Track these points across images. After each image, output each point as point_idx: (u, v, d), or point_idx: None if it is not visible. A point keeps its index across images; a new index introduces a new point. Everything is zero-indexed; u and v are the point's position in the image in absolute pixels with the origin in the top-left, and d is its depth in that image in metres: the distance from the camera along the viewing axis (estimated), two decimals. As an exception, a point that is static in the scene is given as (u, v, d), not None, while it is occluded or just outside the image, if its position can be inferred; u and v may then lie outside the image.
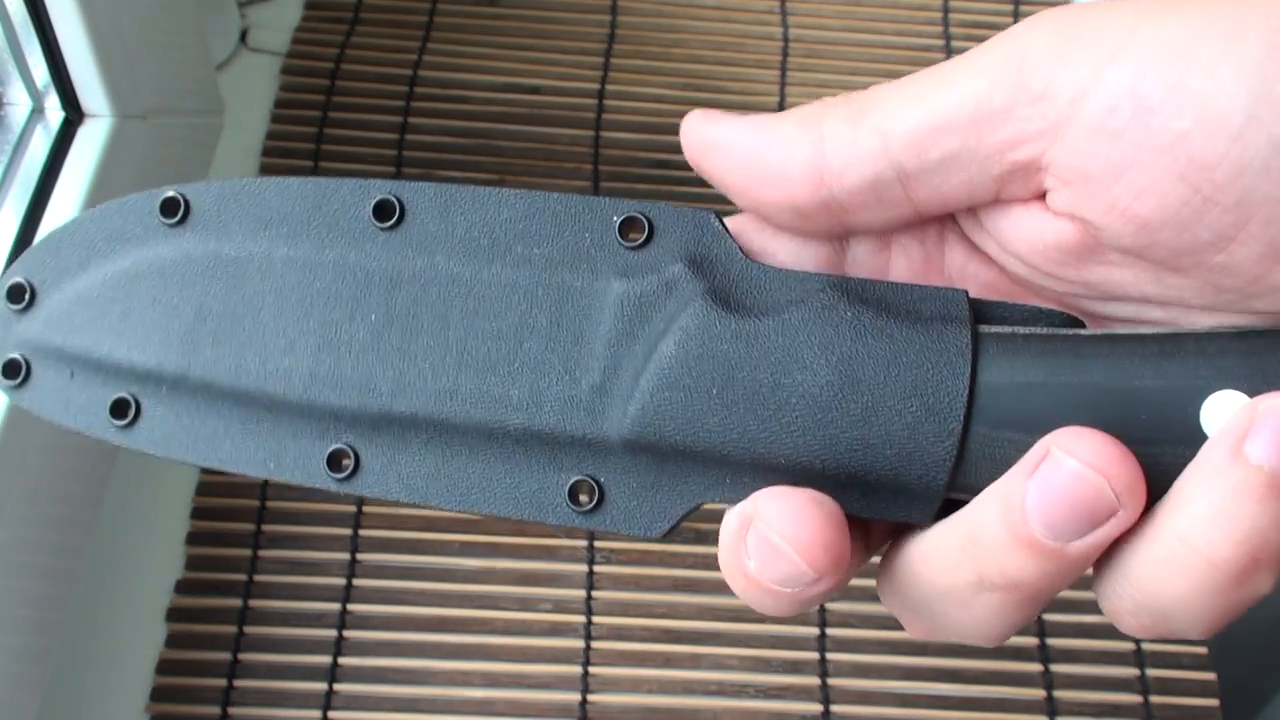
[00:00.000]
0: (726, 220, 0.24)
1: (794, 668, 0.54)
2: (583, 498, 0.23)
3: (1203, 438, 0.20)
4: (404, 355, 0.24)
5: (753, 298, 0.23)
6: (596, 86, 0.71)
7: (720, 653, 0.54)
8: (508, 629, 0.54)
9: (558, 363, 0.23)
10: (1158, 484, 0.20)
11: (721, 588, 0.56)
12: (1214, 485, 0.19)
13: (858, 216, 0.23)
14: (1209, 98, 0.19)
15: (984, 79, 0.21)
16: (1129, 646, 0.55)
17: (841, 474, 0.22)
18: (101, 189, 0.50)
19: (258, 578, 0.55)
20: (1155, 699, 0.54)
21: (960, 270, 0.24)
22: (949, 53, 0.73)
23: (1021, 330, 0.22)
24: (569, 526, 0.24)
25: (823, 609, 0.55)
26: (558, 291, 0.24)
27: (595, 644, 0.54)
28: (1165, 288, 0.21)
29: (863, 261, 0.24)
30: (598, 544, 0.56)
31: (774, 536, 0.21)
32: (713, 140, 0.23)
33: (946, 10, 0.75)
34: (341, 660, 0.53)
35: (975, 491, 0.21)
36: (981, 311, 0.23)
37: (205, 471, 0.57)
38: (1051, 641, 0.55)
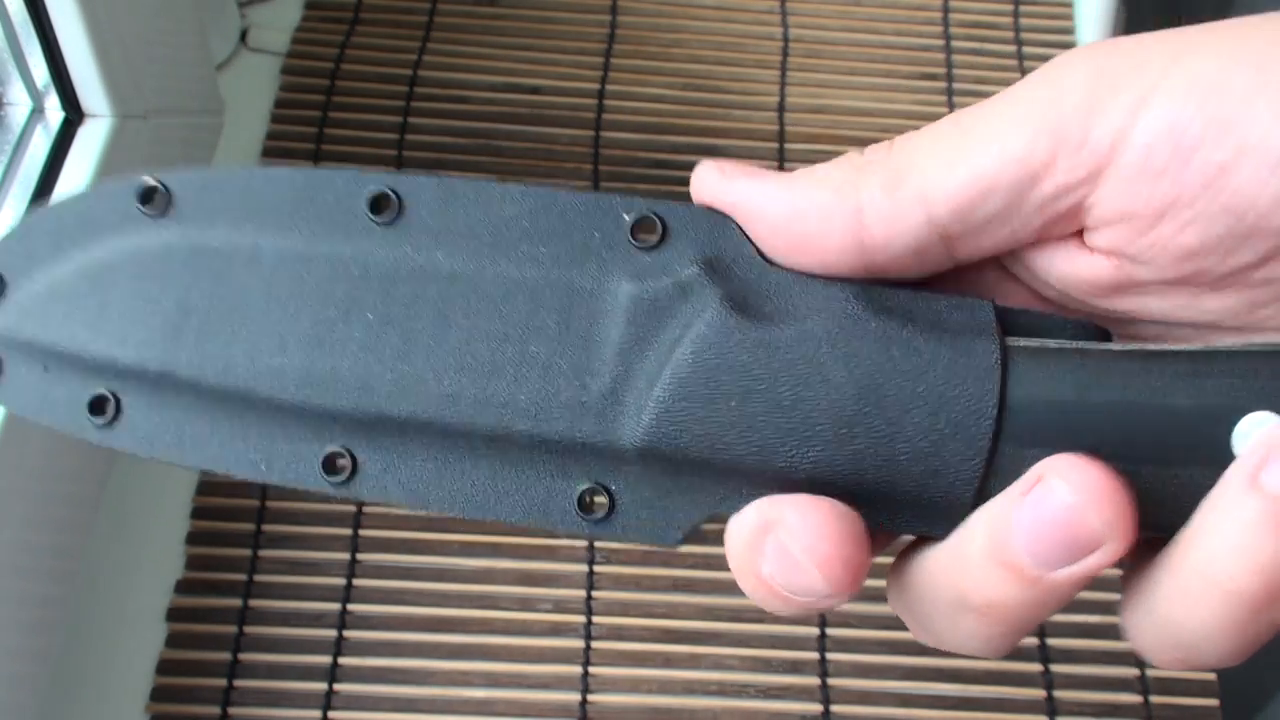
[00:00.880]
0: None
1: (794, 668, 0.54)
2: (593, 506, 0.23)
3: (1233, 460, 0.19)
4: (402, 356, 0.23)
5: (772, 304, 0.22)
6: (596, 86, 0.71)
7: (720, 653, 0.54)
8: (508, 629, 0.54)
9: (566, 367, 0.22)
10: (1186, 507, 0.20)
11: (721, 588, 0.56)
12: (1231, 515, 0.19)
13: (892, 273, 0.22)
14: (1246, 129, 0.19)
15: (1023, 134, 0.20)
16: (1129, 646, 0.55)
17: (863, 488, 0.21)
18: (101, 189, 0.50)
19: (258, 578, 0.55)
20: (1155, 699, 0.54)
21: (989, 290, 0.24)
22: (949, 53, 0.73)
23: (1051, 344, 0.21)
24: (579, 535, 0.23)
25: (823, 609, 0.55)
26: (565, 292, 0.23)
27: (595, 644, 0.54)
28: (1200, 311, 0.21)
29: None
30: (598, 544, 0.56)
31: (795, 547, 0.21)
32: (733, 203, 0.22)
33: (946, 10, 0.75)
34: (341, 660, 0.53)
35: None
36: (1008, 321, 0.22)
37: (205, 471, 0.57)
38: (1051, 641, 0.55)
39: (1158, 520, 0.21)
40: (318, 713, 0.52)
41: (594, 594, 0.55)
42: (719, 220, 0.23)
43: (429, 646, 0.54)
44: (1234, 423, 0.20)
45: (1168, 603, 0.20)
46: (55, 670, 0.51)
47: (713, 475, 0.22)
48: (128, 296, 0.23)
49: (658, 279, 0.22)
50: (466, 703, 0.53)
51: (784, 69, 0.72)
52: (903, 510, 0.22)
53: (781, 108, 0.70)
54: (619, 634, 0.55)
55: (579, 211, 0.23)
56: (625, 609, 0.55)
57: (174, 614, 0.54)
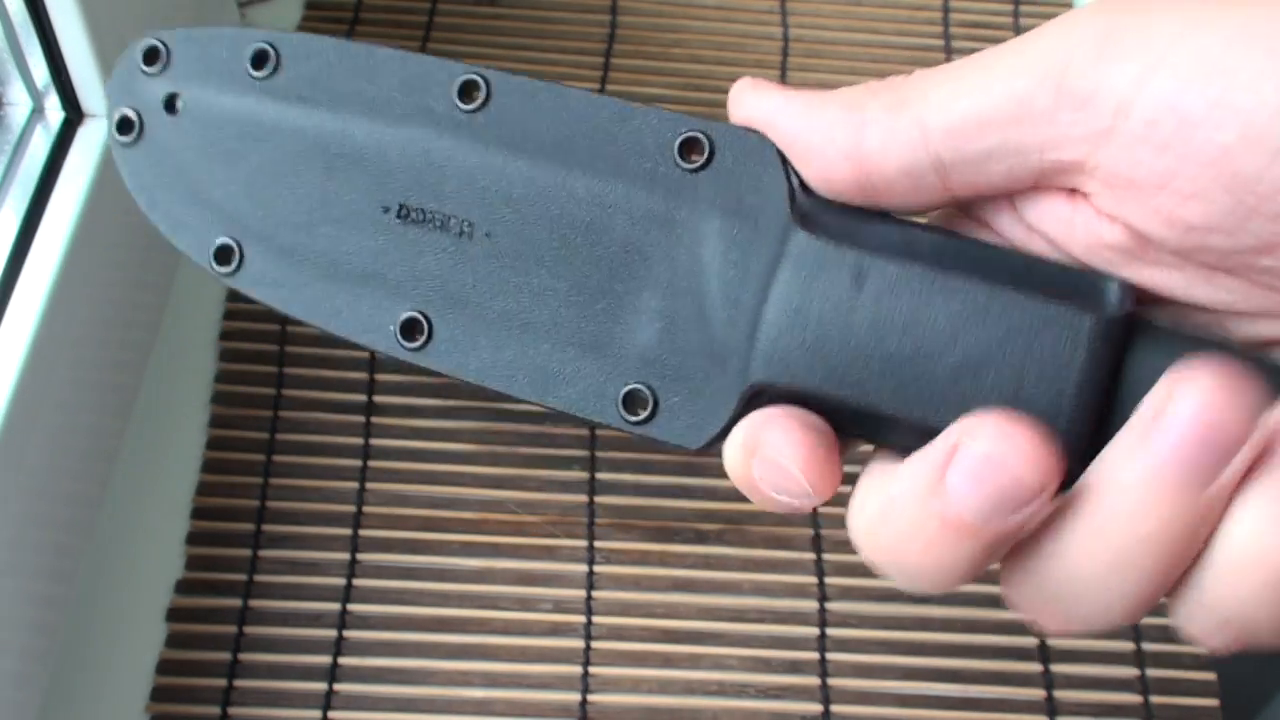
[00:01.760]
0: None
1: (794, 668, 0.54)
2: (639, 407, 0.24)
3: None
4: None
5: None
6: (596, 87, 0.71)
7: (720, 653, 0.54)
8: (508, 629, 0.54)
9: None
10: None
11: (721, 588, 0.56)
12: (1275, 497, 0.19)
13: (892, 199, 0.23)
14: (1251, 113, 0.19)
15: (1027, 78, 0.21)
16: (1129, 646, 0.55)
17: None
18: (101, 189, 0.50)
19: (258, 578, 0.55)
20: (1155, 699, 0.54)
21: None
22: (949, 53, 0.73)
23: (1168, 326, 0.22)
24: (619, 429, 0.24)
25: (823, 609, 0.55)
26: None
27: (595, 644, 0.54)
28: (1216, 290, 0.21)
29: None
30: (597, 544, 0.56)
31: (780, 459, 0.22)
32: (757, 114, 0.24)
33: (946, 10, 0.75)
34: (341, 660, 0.53)
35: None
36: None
37: (205, 471, 0.57)
38: (1051, 641, 0.55)
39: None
40: (318, 713, 0.52)
41: (594, 594, 0.55)
42: (760, 144, 0.23)
43: (429, 646, 0.54)
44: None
45: (1214, 583, 0.20)
46: (55, 670, 0.51)
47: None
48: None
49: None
50: (466, 703, 0.53)
51: (784, 69, 0.72)
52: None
53: (781, 108, 0.70)
54: (619, 634, 0.55)
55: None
56: (625, 609, 0.55)
57: (174, 614, 0.54)
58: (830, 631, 0.55)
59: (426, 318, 0.24)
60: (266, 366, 0.60)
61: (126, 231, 0.53)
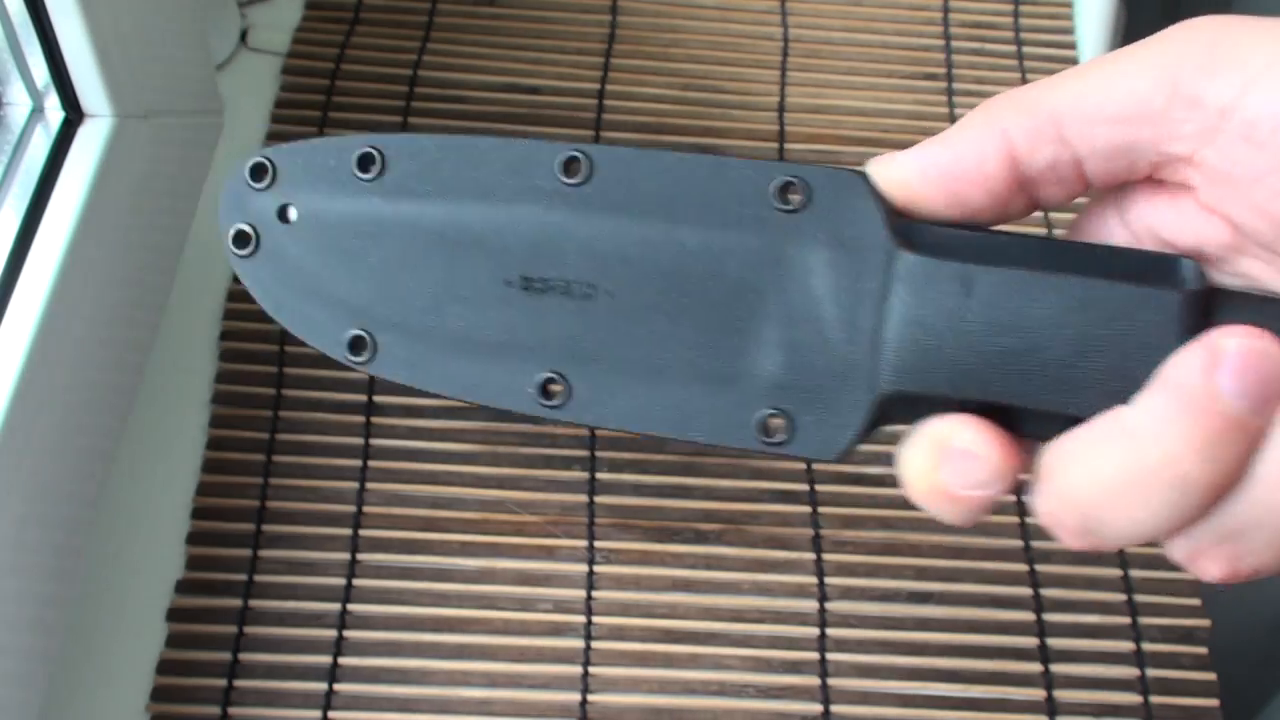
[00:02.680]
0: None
1: (794, 668, 0.54)
2: (771, 429, 0.26)
3: None
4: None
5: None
6: (596, 86, 0.71)
7: (720, 653, 0.54)
8: (508, 629, 0.54)
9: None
10: None
11: (721, 588, 0.56)
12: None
13: (1045, 191, 0.26)
14: None
15: (1146, 81, 0.24)
16: (1129, 647, 0.55)
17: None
18: (101, 189, 0.50)
19: (258, 578, 0.55)
20: (1155, 699, 0.54)
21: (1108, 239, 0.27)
22: (949, 53, 0.73)
23: (1256, 293, 0.24)
24: (759, 454, 0.26)
25: (823, 609, 0.55)
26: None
27: (595, 644, 0.54)
28: None
29: None
30: (597, 544, 0.56)
31: (970, 450, 0.24)
32: (907, 175, 0.26)
33: (946, 10, 0.75)
34: (341, 660, 0.53)
35: None
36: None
37: (205, 471, 0.57)
38: (1051, 641, 0.55)
39: None
40: (318, 713, 0.52)
41: (594, 594, 0.55)
42: (852, 179, 0.26)
43: (429, 646, 0.54)
44: None
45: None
46: (55, 670, 0.51)
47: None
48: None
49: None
50: (466, 703, 0.53)
51: (784, 69, 0.72)
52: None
53: (781, 108, 0.70)
54: (619, 634, 0.55)
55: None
56: (625, 609, 0.55)
57: (174, 614, 0.54)
58: (830, 631, 0.55)
59: (562, 376, 0.26)
60: (266, 366, 0.60)
61: (126, 231, 0.53)
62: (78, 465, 0.52)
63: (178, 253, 0.58)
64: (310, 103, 0.69)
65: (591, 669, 0.54)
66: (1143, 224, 0.26)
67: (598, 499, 0.58)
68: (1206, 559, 0.24)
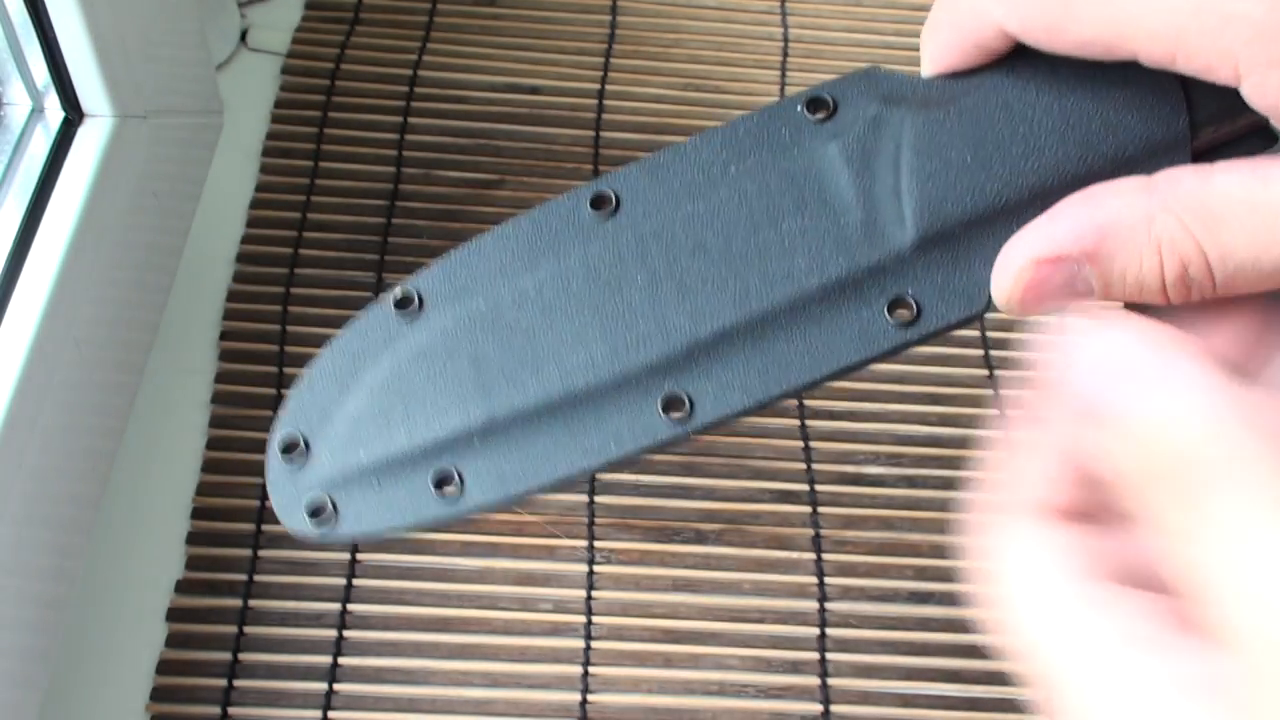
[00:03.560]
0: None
1: (794, 668, 0.54)
2: (900, 315, 0.25)
3: None
4: (686, 291, 0.25)
5: (954, 90, 0.26)
6: (596, 86, 0.71)
7: (720, 653, 0.54)
8: (508, 629, 0.54)
9: (823, 223, 0.25)
10: None
11: (721, 588, 0.56)
12: None
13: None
14: None
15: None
16: (1129, 646, 0.55)
17: (1102, 173, 0.25)
18: (101, 189, 0.50)
19: (258, 578, 0.55)
20: (1155, 699, 0.54)
21: None
22: (949, 53, 0.73)
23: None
24: (903, 347, 0.26)
25: (823, 609, 0.55)
26: (784, 178, 0.26)
27: (595, 644, 0.54)
28: None
29: None
30: (597, 544, 0.56)
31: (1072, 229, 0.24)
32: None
33: (946, 10, 0.74)
34: (341, 660, 0.53)
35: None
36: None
37: (205, 471, 0.57)
38: (1051, 641, 0.55)
39: None
40: (318, 713, 0.52)
41: (594, 594, 0.55)
42: (870, 71, 0.27)
43: (429, 646, 0.54)
44: None
45: None
46: (55, 670, 0.51)
47: (982, 230, 0.25)
48: (425, 384, 0.26)
49: (851, 128, 0.26)
50: (466, 703, 0.53)
51: (784, 69, 0.72)
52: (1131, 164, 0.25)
53: (781, 108, 0.70)
54: (619, 634, 0.55)
55: (760, 123, 0.27)
56: (625, 609, 0.55)
57: (174, 614, 0.54)
58: (830, 631, 0.55)
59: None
60: (266, 366, 0.60)
61: (126, 231, 0.53)
62: (78, 465, 0.52)
63: (178, 253, 0.58)
64: (310, 103, 0.69)
65: (591, 669, 0.54)
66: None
67: (598, 499, 0.58)
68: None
